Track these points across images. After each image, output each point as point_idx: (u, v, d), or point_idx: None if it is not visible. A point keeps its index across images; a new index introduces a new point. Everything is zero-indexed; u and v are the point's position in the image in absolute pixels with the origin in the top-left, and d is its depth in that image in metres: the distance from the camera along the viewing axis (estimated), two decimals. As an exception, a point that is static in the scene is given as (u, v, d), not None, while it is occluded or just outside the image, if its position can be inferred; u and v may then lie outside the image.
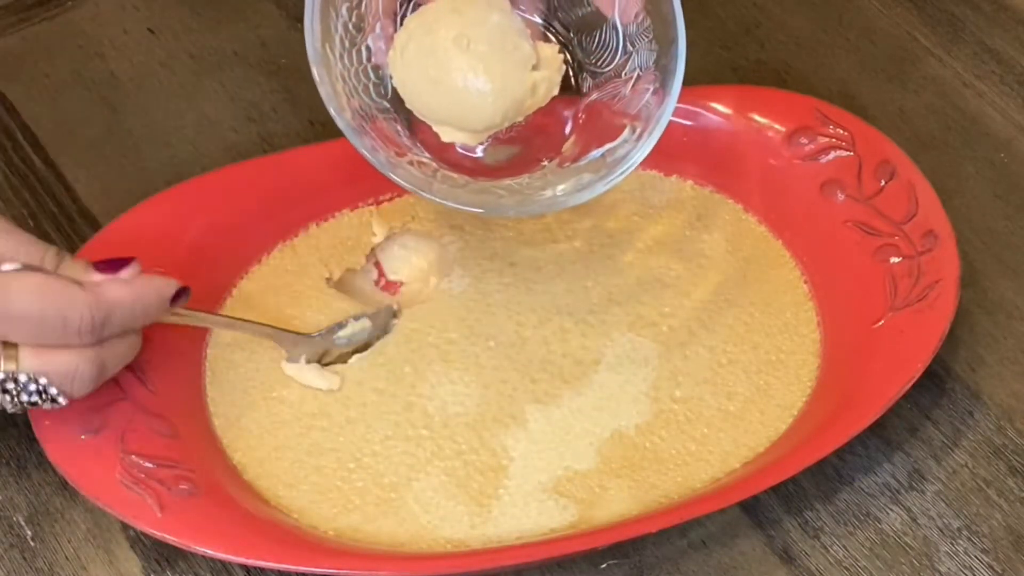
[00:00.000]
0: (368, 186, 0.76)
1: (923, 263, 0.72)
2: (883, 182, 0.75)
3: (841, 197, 0.75)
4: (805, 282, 0.75)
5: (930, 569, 0.67)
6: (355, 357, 0.72)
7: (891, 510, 0.69)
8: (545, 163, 0.71)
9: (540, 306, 0.74)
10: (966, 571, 0.67)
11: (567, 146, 0.72)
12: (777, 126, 0.77)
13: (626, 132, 0.69)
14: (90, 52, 0.87)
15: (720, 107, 0.78)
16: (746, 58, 0.86)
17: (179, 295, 0.66)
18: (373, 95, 0.70)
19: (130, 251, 0.72)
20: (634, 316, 0.74)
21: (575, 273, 0.75)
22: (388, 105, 0.70)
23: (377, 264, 0.76)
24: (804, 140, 0.76)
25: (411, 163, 0.69)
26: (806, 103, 0.78)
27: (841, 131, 0.76)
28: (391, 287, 0.76)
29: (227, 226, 0.74)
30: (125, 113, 0.84)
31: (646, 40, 0.69)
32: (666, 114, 0.68)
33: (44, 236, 0.78)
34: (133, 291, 0.63)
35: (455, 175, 0.70)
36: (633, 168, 0.68)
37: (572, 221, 0.77)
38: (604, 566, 0.67)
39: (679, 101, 0.67)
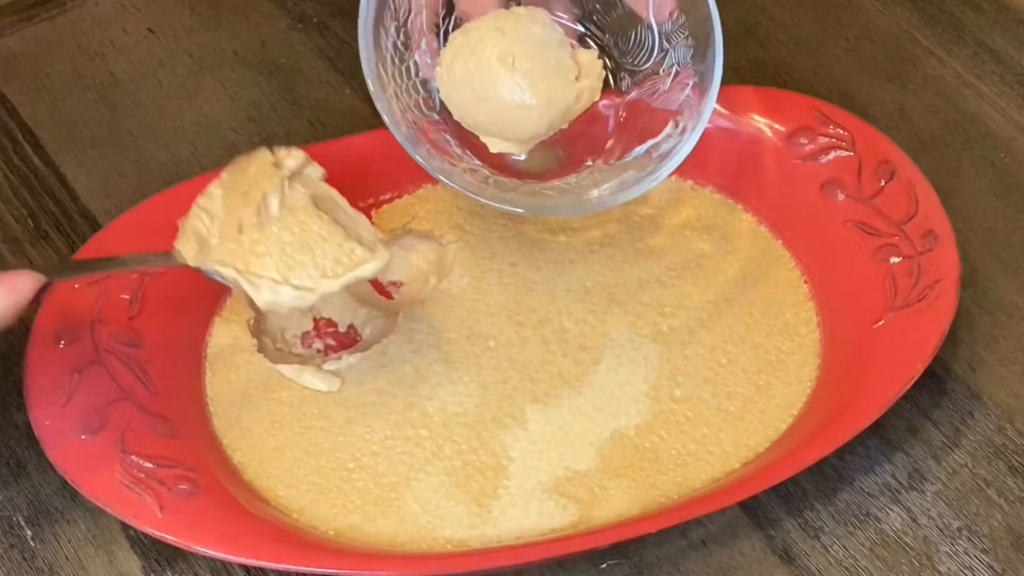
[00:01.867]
0: (368, 186, 0.76)
1: (923, 263, 0.72)
2: (883, 182, 0.75)
3: (841, 197, 0.75)
4: (805, 282, 0.75)
5: (930, 569, 0.67)
6: (355, 357, 0.72)
7: (891, 510, 0.69)
8: (589, 162, 0.72)
9: (540, 306, 0.74)
10: (966, 571, 0.67)
11: (610, 145, 0.73)
12: (777, 126, 0.77)
13: (669, 127, 0.70)
14: (90, 52, 0.87)
15: (720, 107, 0.77)
16: (746, 58, 0.86)
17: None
18: (423, 108, 0.71)
19: (131, 251, 0.72)
20: (634, 316, 0.74)
21: (575, 273, 0.75)
22: (437, 117, 0.72)
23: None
24: (804, 140, 0.76)
25: (463, 171, 0.70)
26: (806, 103, 0.78)
27: (841, 131, 0.76)
28: (391, 287, 0.76)
29: (227, 226, 0.74)
30: (125, 113, 0.84)
31: (682, 36, 0.70)
32: (709, 106, 0.69)
33: (44, 236, 0.78)
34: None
35: (506, 179, 0.71)
36: (680, 162, 0.69)
37: (571, 222, 0.77)
38: (604, 566, 0.67)
39: None
